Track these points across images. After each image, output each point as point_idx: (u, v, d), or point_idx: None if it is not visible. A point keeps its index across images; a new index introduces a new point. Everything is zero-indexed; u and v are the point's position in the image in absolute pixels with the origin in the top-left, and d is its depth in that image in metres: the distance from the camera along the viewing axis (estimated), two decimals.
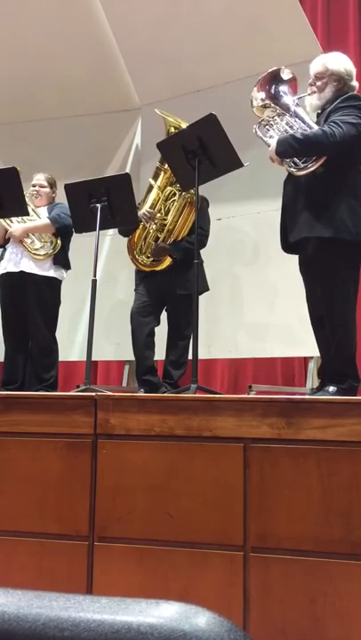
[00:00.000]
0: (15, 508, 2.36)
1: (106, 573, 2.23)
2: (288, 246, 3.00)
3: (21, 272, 3.88)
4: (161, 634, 0.53)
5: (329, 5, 5.17)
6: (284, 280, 4.01)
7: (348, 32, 5.05)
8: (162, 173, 3.81)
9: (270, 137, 2.92)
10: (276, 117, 2.95)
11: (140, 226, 3.76)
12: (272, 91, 2.99)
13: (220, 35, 4.50)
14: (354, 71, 3.00)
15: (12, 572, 2.32)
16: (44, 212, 4.05)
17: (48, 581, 2.26)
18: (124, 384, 4.91)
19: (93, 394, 2.46)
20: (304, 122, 2.91)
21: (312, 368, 4.28)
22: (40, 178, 4.14)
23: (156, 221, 3.75)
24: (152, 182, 3.85)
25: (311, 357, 4.30)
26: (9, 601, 0.57)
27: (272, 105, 2.97)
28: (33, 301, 3.88)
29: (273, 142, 2.87)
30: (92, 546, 2.27)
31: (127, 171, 4.66)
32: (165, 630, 0.53)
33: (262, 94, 3.00)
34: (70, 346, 4.75)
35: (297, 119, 2.92)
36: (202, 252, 3.70)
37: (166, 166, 3.66)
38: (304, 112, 2.97)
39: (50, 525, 2.32)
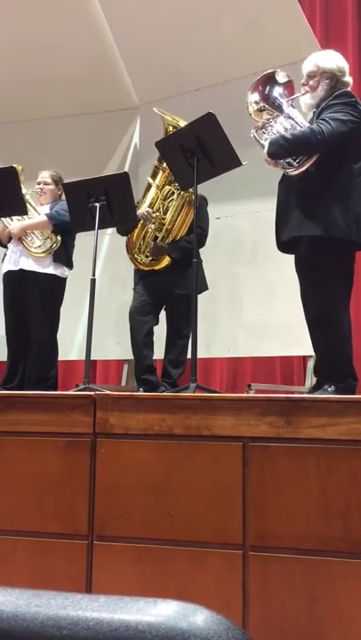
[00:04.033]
0: (14, 507, 2.36)
1: (105, 572, 2.24)
2: (283, 246, 3.00)
3: (21, 270, 3.88)
4: (159, 632, 0.53)
5: (327, 4, 5.17)
6: (283, 279, 4.01)
7: (346, 31, 5.05)
8: (160, 172, 3.81)
9: (265, 140, 2.92)
10: (271, 120, 2.96)
11: (139, 225, 3.76)
12: (266, 92, 3.00)
13: (219, 34, 4.50)
14: (346, 66, 3.00)
15: (11, 571, 2.32)
16: (47, 209, 4.04)
17: (47, 580, 2.26)
18: (123, 383, 4.91)
19: (92, 393, 2.46)
20: (298, 123, 2.91)
21: (311, 367, 4.27)
22: (45, 175, 4.12)
23: (154, 221, 3.75)
24: (150, 181, 3.85)
25: (310, 356, 4.29)
26: (7, 600, 0.57)
27: (266, 107, 2.98)
28: (33, 299, 3.87)
29: (266, 144, 2.89)
30: (91, 545, 2.27)
31: (126, 170, 4.65)
32: (164, 629, 0.53)
33: (256, 96, 3.01)
34: (69, 345, 4.74)
35: (290, 120, 2.93)
36: (201, 251, 3.69)
37: (165, 165, 3.66)
38: (298, 113, 2.98)
39: (49, 524, 2.32)
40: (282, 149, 2.82)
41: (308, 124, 2.89)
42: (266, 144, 2.88)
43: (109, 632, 0.53)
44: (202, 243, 3.76)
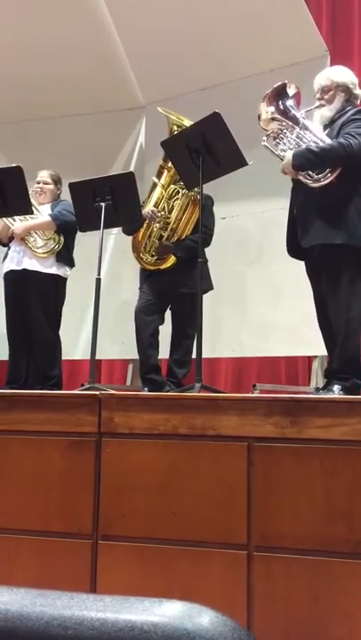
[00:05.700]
0: (19, 506, 2.36)
1: (109, 572, 2.24)
2: (295, 252, 3.06)
3: (24, 270, 3.89)
4: (164, 632, 0.53)
5: (334, 3, 5.15)
6: (288, 279, 4.00)
7: (353, 31, 5.03)
8: (165, 172, 3.80)
9: (282, 150, 2.98)
10: (285, 130, 3.01)
11: (145, 224, 3.76)
12: (280, 105, 3.07)
13: (225, 33, 4.50)
14: (357, 81, 3.13)
15: (16, 571, 2.32)
16: (47, 209, 4.04)
17: (51, 580, 2.26)
18: (128, 383, 4.91)
19: (97, 392, 2.46)
20: (314, 134, 2.97)
21: (316, 367, 4.27)
22: (44, 175, 4.13)
23: (159, 220, 3.75)
24: (155, 180, 3.85)
25: (315, 356, 4.29)
26: (12, 599, 0.57)
27: (281, 118, 3.04)
28: (35, 298, 3.88)
29: (288, 155, 2.93)
30: (95, 544, 2.27)
31: (131, 169, 4.65)
32: (168, 629, 0.53)
33: (272, 108, 3.07)
34: (75, 344, 4.75)
35: (307, 131, 2.98)
36: (206, 250, 3.69)
37: (169, 164, 3.66)
38: (313, 124, 3.04)
39: (53, 524, 2.32)
40: (308, 162, 2.88)
41: (326, 137, 2.95)
42: (288, 155, 2.92)
43: (114, 632, 0.53)
44: (207, 242, 3.75)
